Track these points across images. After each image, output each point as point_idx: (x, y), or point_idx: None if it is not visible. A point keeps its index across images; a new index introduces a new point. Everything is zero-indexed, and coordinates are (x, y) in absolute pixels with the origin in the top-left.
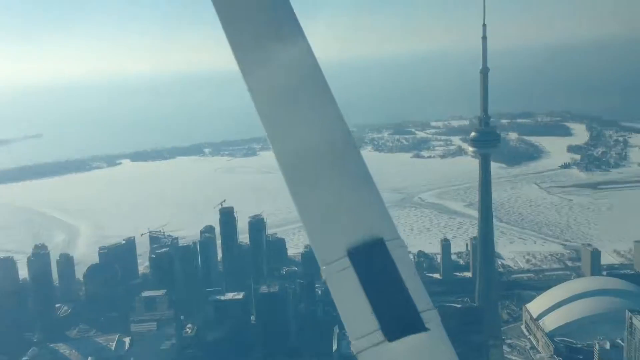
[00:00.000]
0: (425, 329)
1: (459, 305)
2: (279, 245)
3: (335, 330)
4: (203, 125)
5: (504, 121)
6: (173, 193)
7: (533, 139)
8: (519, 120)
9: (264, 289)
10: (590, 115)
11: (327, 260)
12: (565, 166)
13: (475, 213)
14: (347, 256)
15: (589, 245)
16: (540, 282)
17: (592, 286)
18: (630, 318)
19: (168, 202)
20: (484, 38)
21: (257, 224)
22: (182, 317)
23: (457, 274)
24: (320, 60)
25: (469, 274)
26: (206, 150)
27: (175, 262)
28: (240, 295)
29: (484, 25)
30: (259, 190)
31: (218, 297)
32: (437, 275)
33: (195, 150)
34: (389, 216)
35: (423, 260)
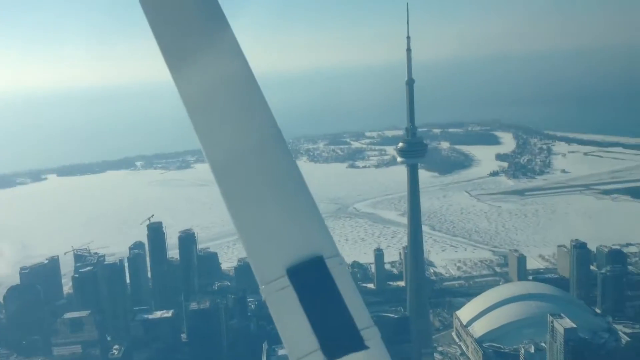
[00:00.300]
0: (365, 347)
1: (392, 315)
2: (212, 259)
3: (265, 346)
4: (136, 138)
5: (436, 130)
6: (101, 209)
7: (464, 148)
8: (451, 130)
9: (194, 305)
10: (517, 124)
11: (267, 280)
12: (494, 174)
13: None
14: (286, 275)
15: (516, 251)
16: (470, 289)
17: (518, 291)
18: (552, 322)
19: (96, 219)
20: (409, 50)
21: (187, 239)
22: (108, 338)
23: (391, 283)
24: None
25: (402, 283)
26: (138, 163)
27: (100, 281)
28: (169, 313)
29: (408, 37)
30: (194, 202)
31: (146, 315)
32: (371, 285)
33: (126, 163)
34: (328, 233)
35: (357, 271)
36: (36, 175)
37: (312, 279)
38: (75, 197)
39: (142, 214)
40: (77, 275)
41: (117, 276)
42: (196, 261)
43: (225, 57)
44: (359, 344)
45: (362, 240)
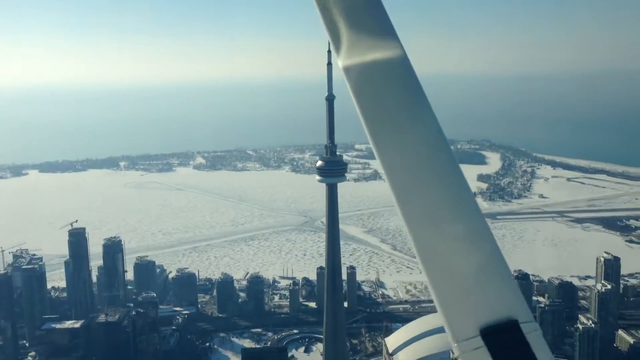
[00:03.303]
0: None
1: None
2: (147, 269)
3: None
4: (123, 138)
5: None
6: (61, 208)
7: None
8: None
9: (101, 317)
10: (506, 145)
11: (460, 337)
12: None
13: (371, 239)
14: (480, 335)
15: None
16: (412, 314)
17: None
18: None
19: (48, 217)
20: (329, 64)
21: (112, 247)
22: (26, 344)
23: None
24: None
25: (346, 304)
26: (122, 163)
27: (16, 285)
28: (78, 324)
29: (329, 51)
30: (164, 207)
31: (54, 325)
32: (313, 304)
33: (110, 163)
34: (521, 296)
35: (304, 287)
36: (17, 170)
37: (508, 343)
38: (43, 194)
39: (103, 215)
40: None
41: (36, 281)
42: (122, 270)
43: (423, 130)
44: None
45: (319, 256)
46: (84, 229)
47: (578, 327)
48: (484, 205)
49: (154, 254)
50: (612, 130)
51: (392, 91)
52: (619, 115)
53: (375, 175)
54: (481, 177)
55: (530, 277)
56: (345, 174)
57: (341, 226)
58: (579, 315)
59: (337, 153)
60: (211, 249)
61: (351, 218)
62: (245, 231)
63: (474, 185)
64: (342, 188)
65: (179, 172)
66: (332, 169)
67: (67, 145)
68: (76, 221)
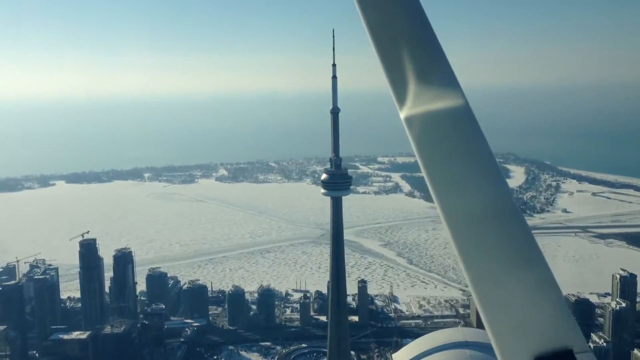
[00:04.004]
0: None
1: None
2: (160, 280)
3: None
4: (149, 149)
5: None
6: (83, 219)
7: None
8: None
9: (107, 329)
10: (531, 159)
11: None
12: None
13: (387, 253)
14: None
15: None
16: (424, 330)
17: (455, 338)
18: None
19: (69, 228)
20: (334, 78)
21: (122, 258)
22: (36, 355)
23: None
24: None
25: (356, 318)
26: (146, 175)
27: (27, 295)
28: (84, 335)
29: (334, 65)
30: (183, 218)
31: (61, 336)
32: (324, 318)
33: (135, 174)
34: (576, 325)
35: (316, 300)
36: (45, 181)
37: None
38: (67, 204)
39: (123, 226)
40: (0, 289)
41: (47, 291)
42: (132, 281)
43: (487, 187)
44: None
45: None
46: (94, 239)
47: (590, 346)
48: None
49: (169, 265)
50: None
51: (455, 145)
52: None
53: (396, 188)
54: None
55: None
56: (350, 187)
57: (358, 239)
58: (592, 334)
59: (358, 165)
60: (227, 261)
61: (369, 231)
62: (262, 243)
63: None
64: (363, 201)
65: (201, 184)
66: (337, 182)
67: (92, 156)
68: (87, 232)
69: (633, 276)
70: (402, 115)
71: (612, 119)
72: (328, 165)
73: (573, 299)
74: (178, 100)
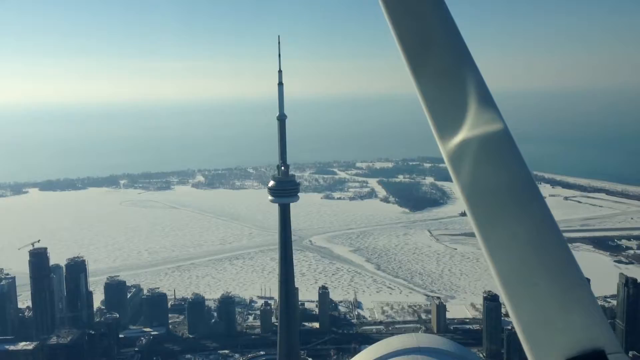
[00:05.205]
0: None
1: None
2: (118, 288)
3: None
4: (126, 156)
5: (426, 165)
6: (53, 226)
7: (447, 185)
8: (442, 165)
9: (53, 339)
10: None
11: None
12: (464, 214)
13: (356, 259)
14: None
15: (438, 298)
16: (385, 335)
17: (408, 344)
18: None
19: (37, 237)
20: (280, 84)
21: (74, 267)
22: None
23: (306, 324)
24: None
25: (317, 324)
26: (122, 182)
27: None
28: (31, 346)
29: (280, 71)
30: (155, 225)
31: (8, 347)
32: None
33: (111, 181)
34: (609, 326)
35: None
36: (18, 189)
37: None
38: (38, 212)
39: (93, 234)
40: None
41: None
42: (85, 290)
43: (529, 215)
44: None
45: (301, 275)
46: (45, 248)
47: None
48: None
49: (135, 273)
50: (616, 148)
51: (496, 174)
52: (625, 133)
53: (371, 194)
54: None
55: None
56: (298, 194)
57: (329, 245)
58: None
59: (335, 171)
60: (194, 268)
61: (340, 237)
62: (232, 250)
63: (464, 205)
64: (338, 207)
65: (177, 191)
66: (284, 189)
67: (68, 163)
68: (38, 241)
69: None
70: (440, 140)
71: (589, 124)
72: (307, 172)
73: None
74: (157, 107)
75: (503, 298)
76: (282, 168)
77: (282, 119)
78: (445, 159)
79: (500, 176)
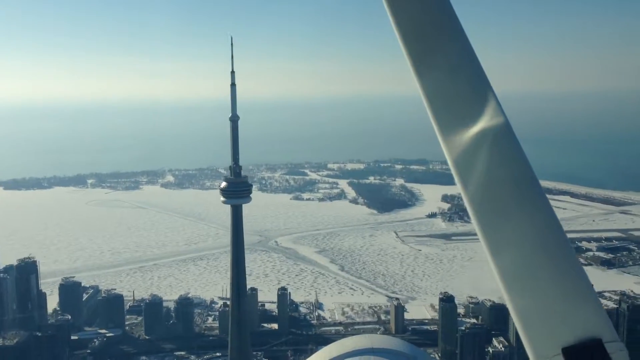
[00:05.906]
0: None
1: None
2: (73, 289)
3: None
4: (96, 155)
5: (398, 166)
6: (13, 227)
7: (416, 187)
8: (413, 167)
9: None
10: None
11: (541, 355)
12: (432, 215)
13: (321, 259)
14: (561, 354)
15: (397, 299)
16: (344, 336)
17: (361, 344)
18: None
19: None
20: (233, 85)
21: (25, 268)
22: None
23: (265, 325)
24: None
25: (276, 326)
26: (89, 181)
27: None
28: None
29: (233, 72)
30: (120, 225)
31: None
32: None
33: (78, 180)
34: (606, 315)
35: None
36: None
37: None
38: (1, 211)
39: (55, 234)
40: None
41: None
42: (36, 291)
43: (533, 212)
44: None
45: (264, 276)
46: None
47: (489, 351)
48: (441, 225)
49: (96, 274)
50: (584, 151)
51: (499, 171)
52: (593, 135)
53: (341, 195)
54: (445, 198)
55: (468, 298)
56: (250, 195)
57: (295, 246)
58: (493, 339)
59: (306, 172)
60: (157, 269)
61: (306, 238)
62: (196, 250)
63: (436, 205)
64: (306, 208)
65: (145, 190)
66: (237, 190)
67: (36, 162)
68: None
69: None
70: (442, 139)
71: (561, 126)
72: (278, 172)
73: (488, 304)
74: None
75: (501, 289)
76: (235, 169)
77: (234, 119)
78: (447, 157)
79: (503, 173)
